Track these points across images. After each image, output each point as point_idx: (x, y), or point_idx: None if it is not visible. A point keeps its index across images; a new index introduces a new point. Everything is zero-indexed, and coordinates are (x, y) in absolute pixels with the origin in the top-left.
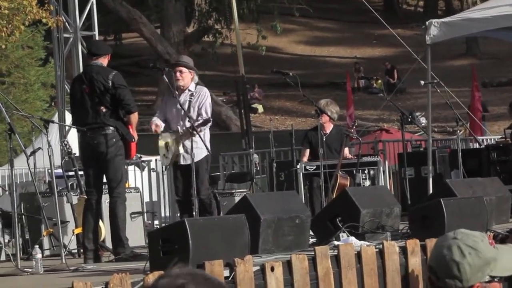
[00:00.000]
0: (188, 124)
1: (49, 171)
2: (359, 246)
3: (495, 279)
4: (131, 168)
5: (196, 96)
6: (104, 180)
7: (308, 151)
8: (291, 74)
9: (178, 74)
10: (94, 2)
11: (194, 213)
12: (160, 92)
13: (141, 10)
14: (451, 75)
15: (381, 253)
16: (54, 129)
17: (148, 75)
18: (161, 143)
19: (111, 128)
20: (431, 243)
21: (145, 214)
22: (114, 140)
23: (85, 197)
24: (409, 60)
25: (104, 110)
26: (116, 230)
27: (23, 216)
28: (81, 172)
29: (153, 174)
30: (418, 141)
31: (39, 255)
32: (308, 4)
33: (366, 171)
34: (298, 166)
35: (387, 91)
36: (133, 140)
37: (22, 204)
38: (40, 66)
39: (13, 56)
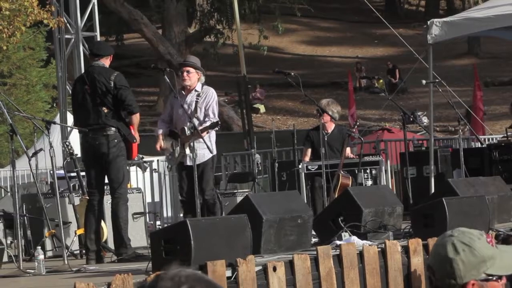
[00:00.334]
0: (196, 123)
1: (51, 172)
2: (361, 245)
3: (493, 278)
4: (133, 169)
5: (203, 96)
6: (106, 181)
7: (309, 151)
8: (292, 74)
9: (185, 74)
10: (96, 3)
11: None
12: (161, 92)
13: (143, 10)
14: (452, 74)
15: (383, 253)
16: (56, 130)
17: (149, 75)
18: (167, 144)
19: (113, 129)
20: (433, 242)
21: (147, 215)
22: (116, 141)
23: (87, 198)
24: (411, 59)
25: (106, 111)
26: (118, 230)
27: (25, 217)
28: (83, 173)
29: (155, 175)
30: (420, 140)
31: (41, 256)
32: (309, 4)
33: (368, 171)
34: (300, 166)
35: (389, 90)
36: (135, 141)
37: (24, 205)
38: (42, 67)
39: (15, 57)
